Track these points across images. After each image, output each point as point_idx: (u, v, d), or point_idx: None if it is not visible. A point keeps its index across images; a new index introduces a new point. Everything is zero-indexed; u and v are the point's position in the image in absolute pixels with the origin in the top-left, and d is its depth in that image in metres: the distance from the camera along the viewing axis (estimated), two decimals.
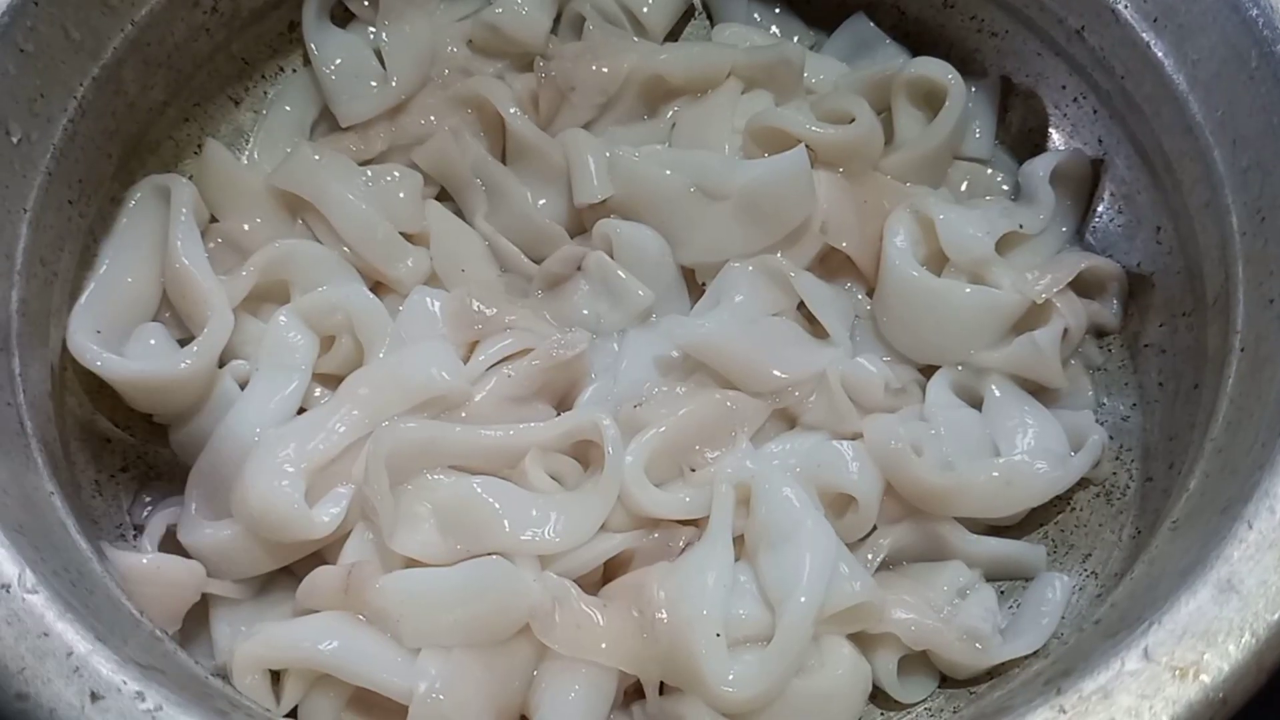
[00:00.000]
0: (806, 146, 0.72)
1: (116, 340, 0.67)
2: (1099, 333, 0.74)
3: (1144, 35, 0.68)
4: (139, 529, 0.67)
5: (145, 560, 0.61)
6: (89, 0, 0.64)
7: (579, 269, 0.73)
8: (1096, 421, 0.71)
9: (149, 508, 0.67)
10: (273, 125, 0.79)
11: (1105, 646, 0.49)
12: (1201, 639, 0.47)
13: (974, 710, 0.55)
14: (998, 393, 0.70)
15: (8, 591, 0.49)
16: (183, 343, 0.69)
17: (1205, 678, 0.46)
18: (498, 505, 0.62)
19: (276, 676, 0.61)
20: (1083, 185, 0.76)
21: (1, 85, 0.60)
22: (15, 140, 0.61)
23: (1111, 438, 0.71)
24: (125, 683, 0.48)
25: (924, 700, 0.65)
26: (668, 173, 0.72)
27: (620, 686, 0.61)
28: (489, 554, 0.61)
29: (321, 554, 0.64)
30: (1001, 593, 0.67)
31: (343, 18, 0.80)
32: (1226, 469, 0.56)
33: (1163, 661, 0.47)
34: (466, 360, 0.68)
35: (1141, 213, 0.73)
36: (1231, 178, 0.63)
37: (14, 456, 0.56)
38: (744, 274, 0.71)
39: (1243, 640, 0.47)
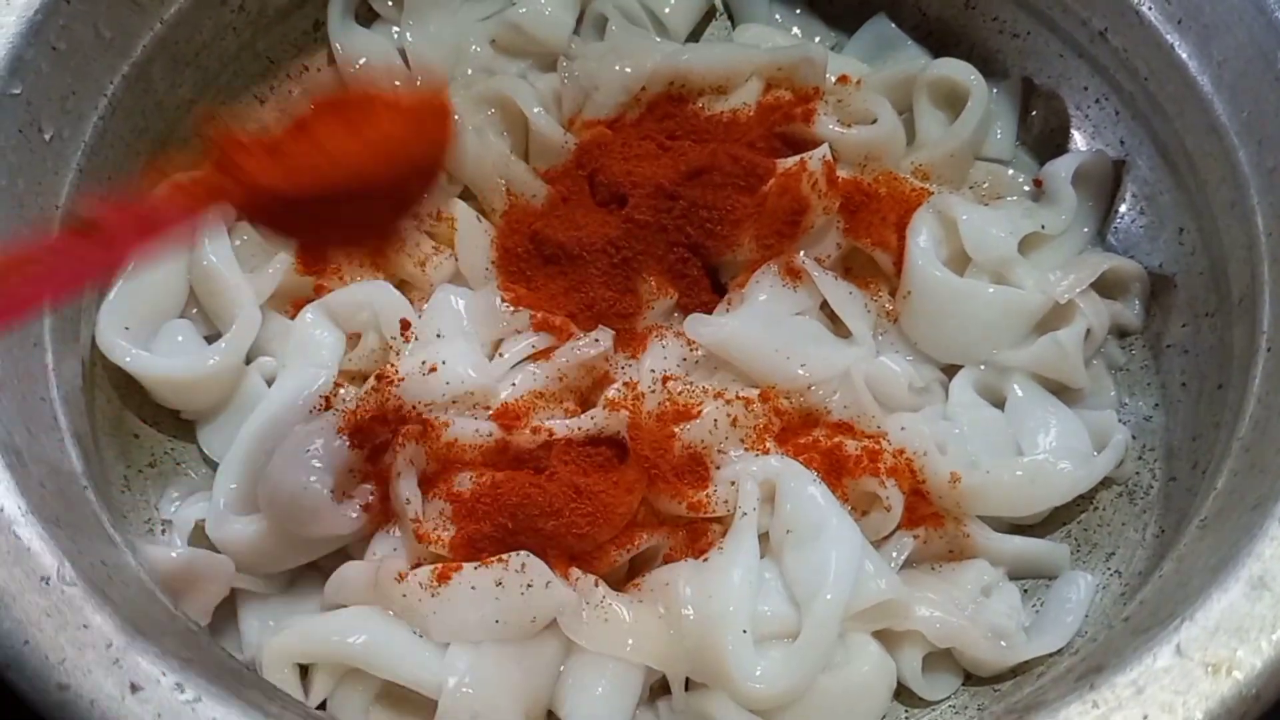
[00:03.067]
0: (829, 146, 0.72)
1: (144, 337, 0.68)
2: (1121, 333, 0.74)
3: (1168, 37, 0.68)
4: (166, 524, 0.67)
5: (175, 555, 0.61)
6: None
7: None
8: (1119, 421, 0.71)
9: (176, 503, 0.67)
10: None
11: (1137, 643, 0.49)
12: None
13: (1005, 705, 0.55)
14: (1020, 392, 0.70)
15: (47, 584, 0.49)
16: (210, 339, 0.70)
17: (1238, 674, 0.47)
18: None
19: (304, 671, 0.61)
20: (1105, 186, 0.76)
21: (35, 83, 0.61)
22: (48, 137, 0.61)
23: (1134, 437, 0.71)
24: (164, 674, 0.48)
25: (948, 698, 0.65)
26: None
27: (647, 682, 0.61)
28: (517, 549, 0.61)
29: (348, 549, 0.65)
30: (1025, 591, 0.68)
31: (367, 17, 0.81)
32: (1255, 467, 0.56)
33: (1195, 658, 0.47)
34: (492, 358, 0.68)
35: (1164, 213, 0.73)
36: (1257, 178, 0.63)
37: (50, 451, 0.56)
38: (768, 273, 0.71)
39: (1275, 636, 0.47)
